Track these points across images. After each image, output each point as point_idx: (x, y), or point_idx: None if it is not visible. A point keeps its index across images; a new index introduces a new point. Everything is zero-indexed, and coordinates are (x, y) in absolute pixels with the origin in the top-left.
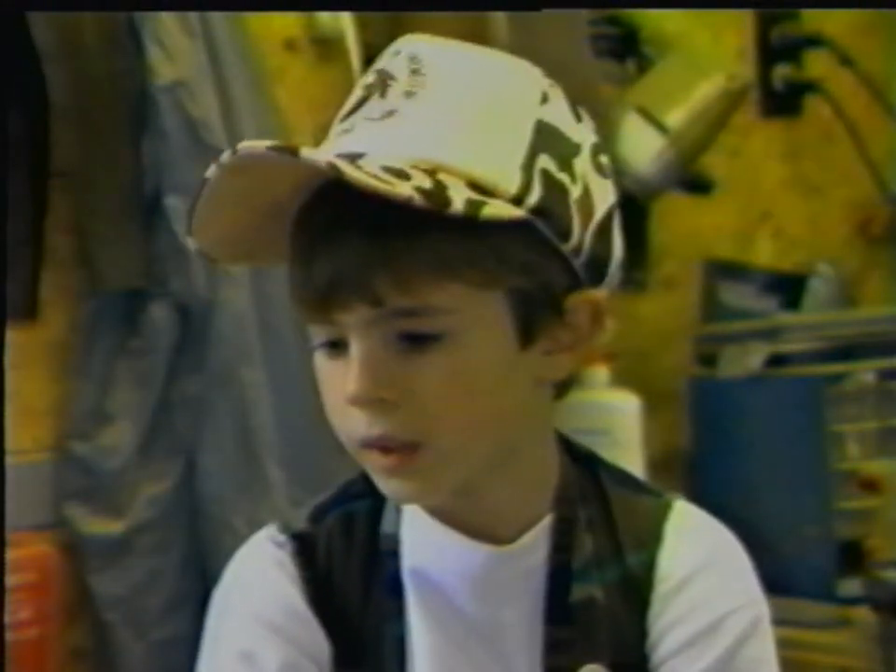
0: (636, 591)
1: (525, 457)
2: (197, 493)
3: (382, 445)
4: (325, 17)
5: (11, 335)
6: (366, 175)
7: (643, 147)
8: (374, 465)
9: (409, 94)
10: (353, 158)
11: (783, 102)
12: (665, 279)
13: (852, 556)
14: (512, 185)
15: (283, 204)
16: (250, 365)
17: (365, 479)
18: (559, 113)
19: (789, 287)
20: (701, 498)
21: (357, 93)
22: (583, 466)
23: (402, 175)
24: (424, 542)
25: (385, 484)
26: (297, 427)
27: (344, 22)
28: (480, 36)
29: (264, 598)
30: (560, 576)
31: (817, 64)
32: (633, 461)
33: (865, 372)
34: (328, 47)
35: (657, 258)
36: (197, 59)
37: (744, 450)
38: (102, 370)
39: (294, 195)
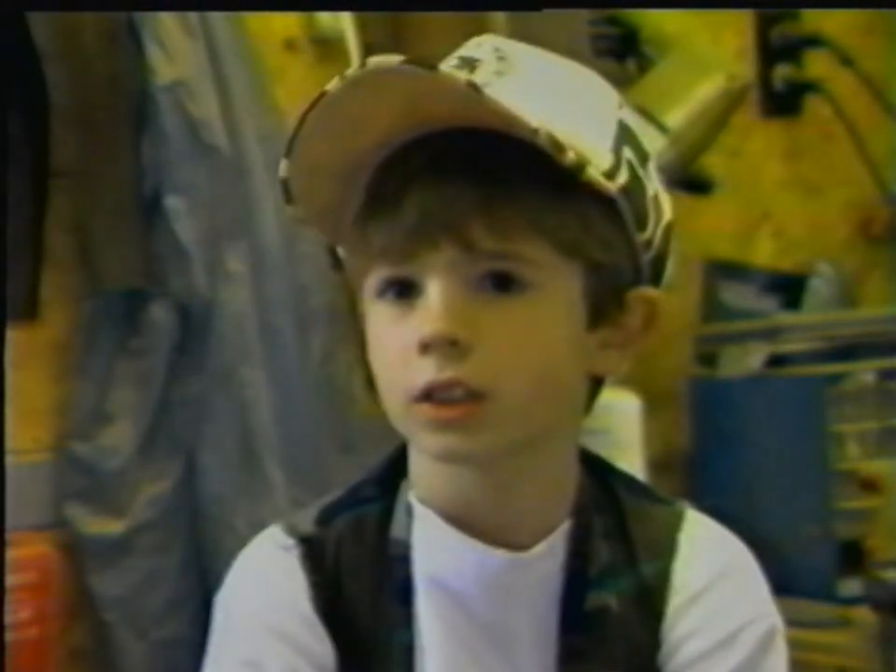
0: (649, 601)
1: (553, 457)
2: (197, 493)
3: (446, 398)
4: (325, 17)
5: (11, 335)
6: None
7: None
8: (430, 418)
9: (500, 74)
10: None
11: (783, 102)
12: (665, 279)
13: (852, 556)
14: (605, 161)
15: (359, 168)
16: (250, 365)
17: (375, 482)
18: (633, 120)
19: (789, 287)
20: (701, 498)
21: None
22: (597, 473)
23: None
24: (438, 548)
25: (437, 440)
26: (297, 426)
27: (344, 22)
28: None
29: (270, 604)
30: (576, 583)
31: (817, 64)
32: (633, 461)
33: (865, 372)
34: (328, 47)
35: None
36: (197, 59)
37: (744, 450)
38: (102, 370)
39: (376, 153)
